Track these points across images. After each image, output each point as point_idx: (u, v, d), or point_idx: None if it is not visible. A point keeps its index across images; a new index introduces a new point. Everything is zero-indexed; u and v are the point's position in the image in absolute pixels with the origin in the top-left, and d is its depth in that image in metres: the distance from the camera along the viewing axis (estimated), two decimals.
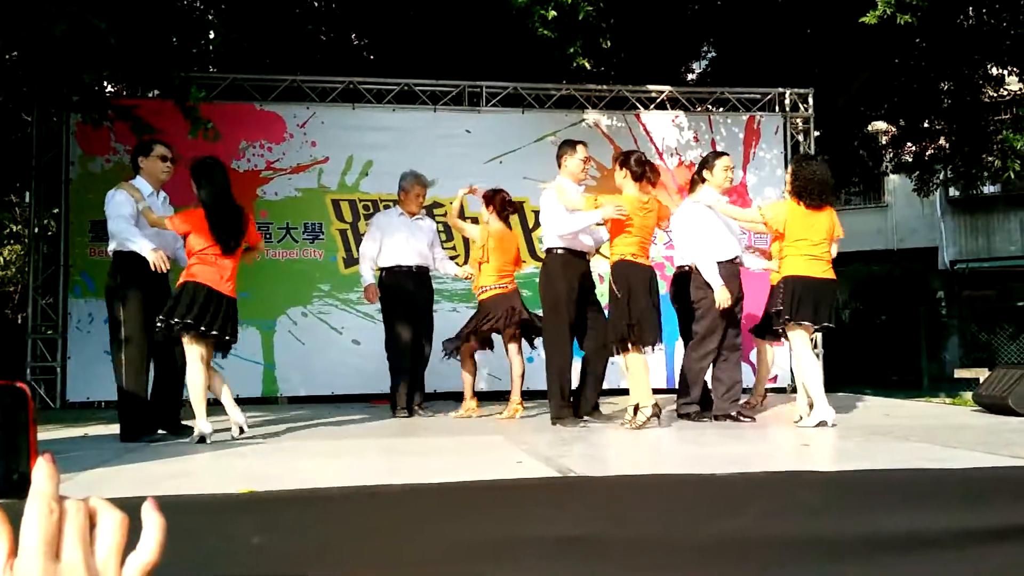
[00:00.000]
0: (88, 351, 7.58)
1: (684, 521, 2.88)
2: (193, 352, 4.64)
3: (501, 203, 6.13)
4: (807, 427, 5.05)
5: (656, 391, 5.35)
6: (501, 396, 7.64)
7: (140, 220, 4.91)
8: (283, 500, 2.83)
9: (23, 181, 8.21)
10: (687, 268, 5.80)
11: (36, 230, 7.90)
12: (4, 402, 0.59)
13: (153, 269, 4.68)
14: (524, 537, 2.69)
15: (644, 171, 5.26)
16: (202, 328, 4.56)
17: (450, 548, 2.66)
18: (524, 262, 6.84)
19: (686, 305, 5.75)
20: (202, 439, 4.57)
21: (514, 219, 6.63)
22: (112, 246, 5.04)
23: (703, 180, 5.80)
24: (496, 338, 6.21)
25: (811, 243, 5.23)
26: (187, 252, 4.77)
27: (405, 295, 6.15)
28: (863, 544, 2.63)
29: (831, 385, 5.45)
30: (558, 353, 5.41)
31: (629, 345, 5.07)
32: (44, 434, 5.17)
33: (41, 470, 0.57)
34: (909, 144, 12.97)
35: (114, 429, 5.18)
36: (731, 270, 5.57)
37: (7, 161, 7.92)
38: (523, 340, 6.10)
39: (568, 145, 5.61)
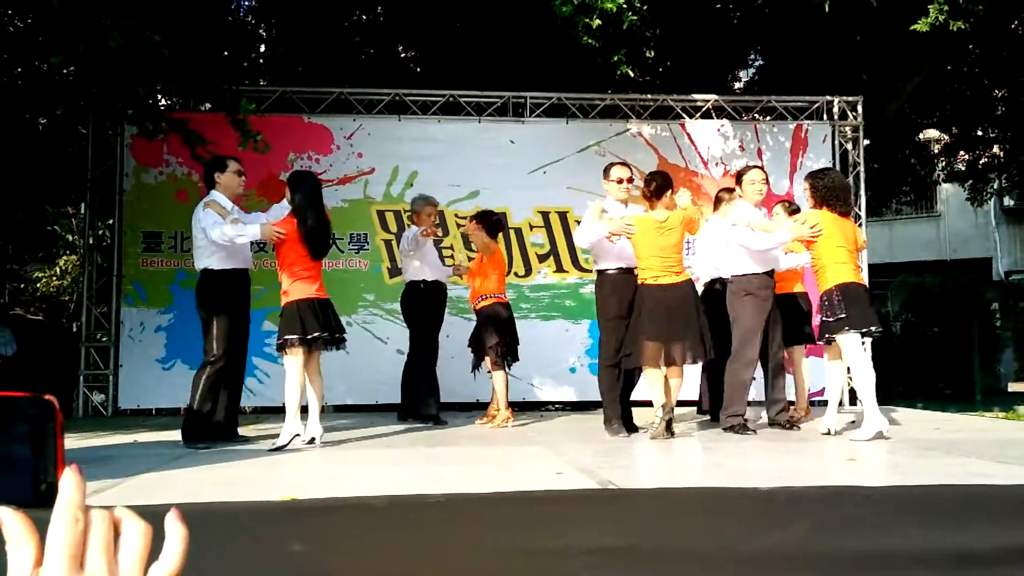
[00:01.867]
0: (139, 359, 7.74)
1: (725, 535, 2.85)
2: (293, 362, 4.84)
3: (490, 225, 6.39)
4: (861, 440, 4.93)
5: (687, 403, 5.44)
6: (525, 406, 7.69)
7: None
8: (324, 508, 2.86)
9: (79, 192, 8.42)
10: (716, 283, 6.04)
11: (91, 240, 8.10)
12: (32, 413, 0.60)
13: (269, 240, 5.03)
14: (564, 548, 2.68)
15: (651, 192, 5.37)
16: (308, 337, 4.80)
17: (490, 558, 2.66)
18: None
19: (714, 319, 5.76)
20: (290, 442, 4.76)
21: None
22: (201, 263, 5.18)
23: (724, 198, 6.08)
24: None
25: (848, 250, 5.21)
26: (279, 265, 4.99)
27: (439, 308, 6.51)
28: (909, 561, 2.58)
29: (882, 398, 5.34)
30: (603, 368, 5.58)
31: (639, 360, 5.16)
32: (95, 440, 5.29)
33: (68, 480, 0.59)
34: (962, 152, 12.70)
35: (163, 436, 5.28)
36: (768, 282, 5.61)
37: (64, 173, 8.13)
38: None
39: (604, 171, 5.81)
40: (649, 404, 5.33)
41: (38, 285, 12.37)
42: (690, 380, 6.52)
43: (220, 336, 5.04)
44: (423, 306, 6.43)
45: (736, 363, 5.54)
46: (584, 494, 3.18)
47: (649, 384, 5.18)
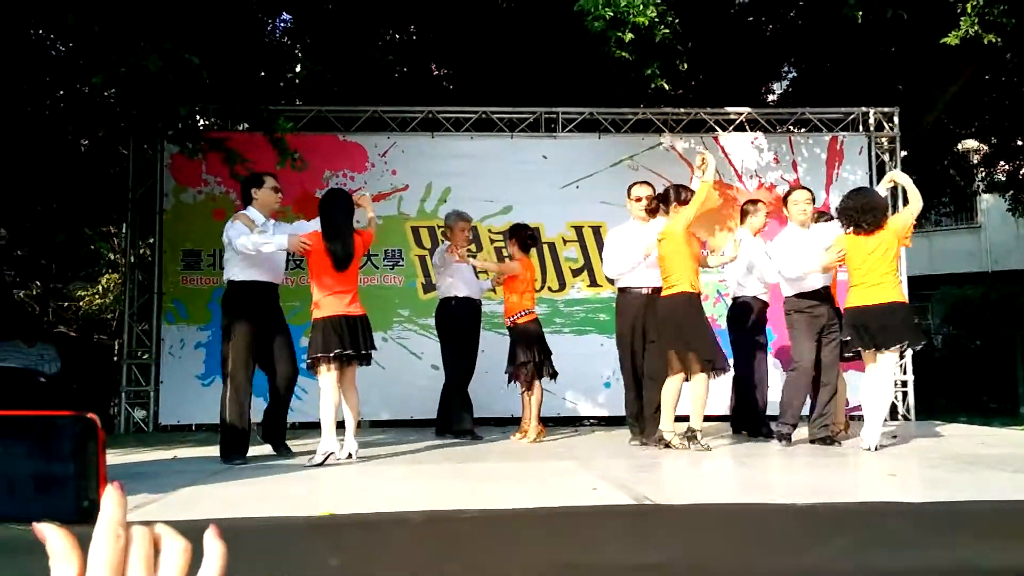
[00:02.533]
0: (180, 376, 7.85)
1: (763, 552, 2.82)
2: (326, 379, 4.88)
3: (522, 238, 6.40)
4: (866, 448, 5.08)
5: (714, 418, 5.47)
6: (559, 421, 7.68)
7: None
8: (361, 523, 2.87)
9: (120, 213, 8.58)
10: (740, 298, 6.29)
11: (132, 259, 8.24)
12: (75, 431, 0.61)
13: (296, 252, 5.15)
14: (599, 565, 2.67)
15: (657, 205, 5.63)
16: (333, 353, 4.84)
17: (526, 574, 2.65)
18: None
19: (737, 334, 6.17)
20: (325, 459, 4.78)
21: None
22: (226, 275, 5.29)
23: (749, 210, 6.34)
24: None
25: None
26: (310, 278, 5.08)
27: (472, 324, 6.56)
28: None
29: (925, 412, 5.31)
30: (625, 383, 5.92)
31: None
32: (136, 456, 5.37)
33: (110, 498, 0.60)
34: (1002, 162, 12.49)
35: (202, 451, 5.33)
36: (815, 299, 5.62)
37: (105, 194, 8.29)
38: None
39: (628, 191, 6.02)
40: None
41: (80, 304, 12.59)
42: (722, 393, 6.53)
43: (235, 347, 5.09)
44: (455, 322, 6.46)
45: (793, 375, 5.65)
46: (620, 510, 3.16)
47: (666, 397, 5.42)
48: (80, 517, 0.60)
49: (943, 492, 3.74)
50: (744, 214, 6.44)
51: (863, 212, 5.26)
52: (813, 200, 5.97)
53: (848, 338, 5.28)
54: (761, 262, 6.01)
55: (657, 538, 2.92)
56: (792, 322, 5.65)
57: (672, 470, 4.56)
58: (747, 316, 6.24)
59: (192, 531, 0.63)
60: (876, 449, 5.06)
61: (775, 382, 6.47)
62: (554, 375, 6.29)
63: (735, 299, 6.44)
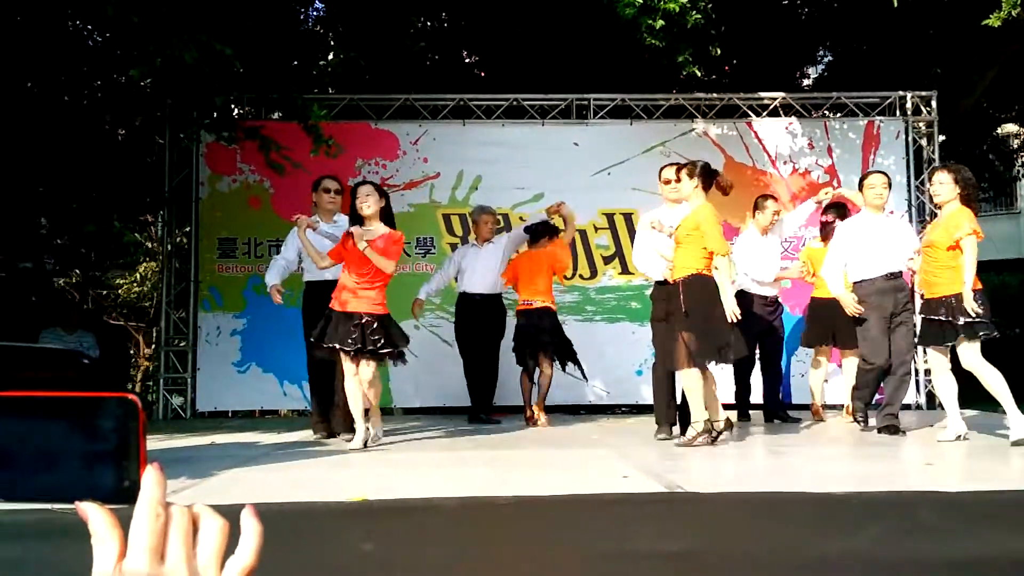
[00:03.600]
0: (216, 363, 7.95)
1: (794, 539, 2.81)
2: (344, 368, 4.97)
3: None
4: (946, 440, 4.97)
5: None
6: (592, 409, 7.73)
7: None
8: (393, 509, 2.91)
9: (157, 202, 8.70)
10: (743, 292, 6.17)
11: (169, 248, 8.35)
12: (117, 413, 0.63)
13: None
14: (631, 552, 2.68)
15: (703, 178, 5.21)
16: (324, 345, 4.91)
17: (558, 560, 2.68)
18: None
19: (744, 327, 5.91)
20: (364, 444, 4.91)
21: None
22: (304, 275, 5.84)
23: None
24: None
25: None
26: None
27: (474, 319, 6.73)
28: (981, 566, 2.51)
29: (962, 402, 5.22)
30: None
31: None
32: (174, 442, 5.47)
33: (150, 477, 0.62)
34: None
35: (240, 437, 5.41)
36: (885, 285, 5.46)
37: (141, 183, 8.39)
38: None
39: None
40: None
41: (119, 292, 12.79)
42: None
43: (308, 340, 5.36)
44: (459, 316, 6.83)
45: (864, 364, 5.55)
46: (652, 497, 3.17)
47: (692, 388, 5.03)
48: (121, 497, 0.62)
49: (976, 483, 3.70)
50: (754, 208, 6.41)
51: (974, 186, 5.10)
52: (889, 185, 5.75)
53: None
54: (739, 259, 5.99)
55: (689, 526, 2.93)
56: (866, 306, 5.45)
57: (704, 458, 4.54)
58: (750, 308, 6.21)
59: (229, 514, 0.65)
60: (961, 439, 4.94)
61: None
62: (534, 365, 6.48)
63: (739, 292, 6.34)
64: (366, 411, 4.98)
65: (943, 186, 5.09)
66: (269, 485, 3.68)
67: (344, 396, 5.07)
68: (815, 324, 6.59)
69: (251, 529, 0.64)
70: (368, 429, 4.96)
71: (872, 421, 5.66)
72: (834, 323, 6.16)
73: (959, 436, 4.96)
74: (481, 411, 6.64)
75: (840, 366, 6.96)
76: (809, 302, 6.80)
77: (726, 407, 6.60)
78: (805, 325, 6.86)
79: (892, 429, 5.31)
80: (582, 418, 7.22)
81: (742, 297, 6.14)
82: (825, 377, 6.81)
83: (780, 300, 6.65)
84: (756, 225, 6.39)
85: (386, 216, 5.07)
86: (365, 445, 4.90)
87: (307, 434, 5.84)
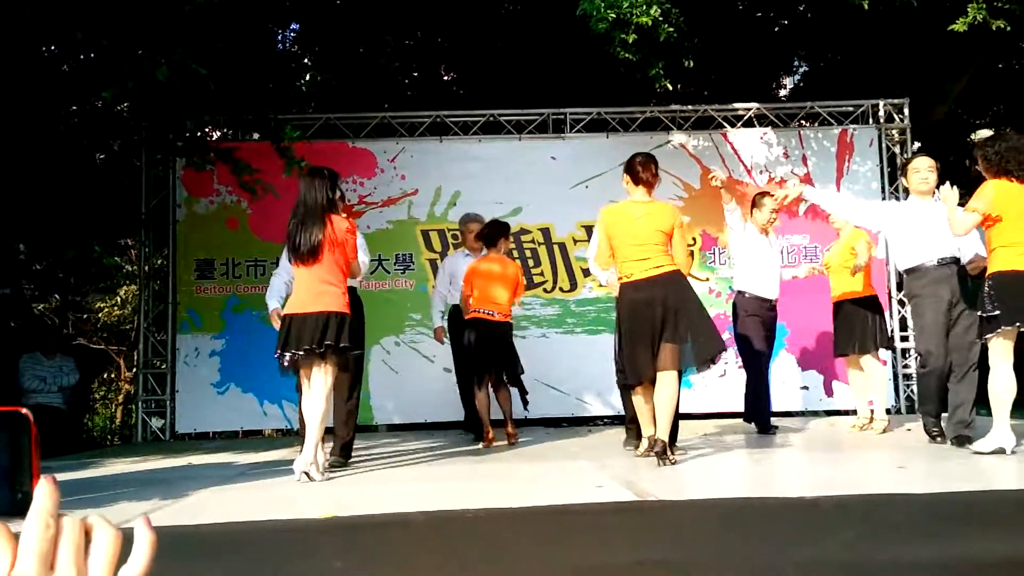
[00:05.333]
0: (195, 384, 7.92)
1: (767, 545, 2.82)
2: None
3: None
4: (982, 452, 4.34)
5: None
6: (574, 421, 7.72)
7: None
8: (364, 525, 2.90)
9: (135, 225, 8.67)
10: (741, 293, 6.15)
11: (148, 270, 8.32)
12: (8, 427, 0.64)
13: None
14: (602, 563, 2.68)
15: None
16: (288, 353, 4.33)
17: (528, 572, 2.67)
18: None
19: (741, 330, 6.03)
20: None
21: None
22: None
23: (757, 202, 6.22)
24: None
25: None
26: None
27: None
28: (952, 569, 2.52)
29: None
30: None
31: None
32: (151, 464, 5.43)
33: (42, 489, 0.62)
34: None
35: (216, 458, 5.38)
36: (939, 273, 5.02)
37: (119, 207, 8.37)
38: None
39: None
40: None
41: (100, 315, 12.74)
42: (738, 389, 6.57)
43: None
44: (451, 327, 6.65)
45: (921, 366, 5.12)
46: (622, 506, 3.17)
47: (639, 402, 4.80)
48: (14, 510, 0.62)
49: (950, 484, 3.71)
50: (752, 206, 6.37)
51: (1016, 152, 4.44)
52: (936, 168, 5.32)
53: (997, 312, 4.30)
54: (739, 259, 6.05)
55: (660, 534, 2.93)
56: (912, 308, 5.09)
57: (682, 468, 4.54)
58: (738, 311, 6.23)
59: (200, 534, 0.66)
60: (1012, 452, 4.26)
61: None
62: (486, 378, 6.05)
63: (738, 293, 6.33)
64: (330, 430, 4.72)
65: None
66: (242, 505, 3.65)
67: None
68: (842, 327, 6.19)
69: (144, 538, 0.64)
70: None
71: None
72: (854, 325, 6.02)
73: (1000, 449, 4.28)
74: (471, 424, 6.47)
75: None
76: (832, 307, 6.35)
77: (735, 416, 6.61)
78: (835, 332, 6.35)
79: (962, 440, 4.68)
80: (563, 431, 7.21)
81: (742, 298, 6.19)
82: (865, 385, 6.36)
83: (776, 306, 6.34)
84: (755, 224, 6.20)
85: None
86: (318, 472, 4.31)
87: (285, 453, 5.81)
